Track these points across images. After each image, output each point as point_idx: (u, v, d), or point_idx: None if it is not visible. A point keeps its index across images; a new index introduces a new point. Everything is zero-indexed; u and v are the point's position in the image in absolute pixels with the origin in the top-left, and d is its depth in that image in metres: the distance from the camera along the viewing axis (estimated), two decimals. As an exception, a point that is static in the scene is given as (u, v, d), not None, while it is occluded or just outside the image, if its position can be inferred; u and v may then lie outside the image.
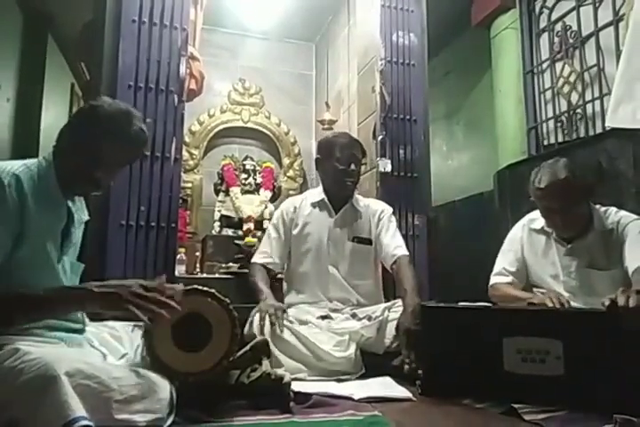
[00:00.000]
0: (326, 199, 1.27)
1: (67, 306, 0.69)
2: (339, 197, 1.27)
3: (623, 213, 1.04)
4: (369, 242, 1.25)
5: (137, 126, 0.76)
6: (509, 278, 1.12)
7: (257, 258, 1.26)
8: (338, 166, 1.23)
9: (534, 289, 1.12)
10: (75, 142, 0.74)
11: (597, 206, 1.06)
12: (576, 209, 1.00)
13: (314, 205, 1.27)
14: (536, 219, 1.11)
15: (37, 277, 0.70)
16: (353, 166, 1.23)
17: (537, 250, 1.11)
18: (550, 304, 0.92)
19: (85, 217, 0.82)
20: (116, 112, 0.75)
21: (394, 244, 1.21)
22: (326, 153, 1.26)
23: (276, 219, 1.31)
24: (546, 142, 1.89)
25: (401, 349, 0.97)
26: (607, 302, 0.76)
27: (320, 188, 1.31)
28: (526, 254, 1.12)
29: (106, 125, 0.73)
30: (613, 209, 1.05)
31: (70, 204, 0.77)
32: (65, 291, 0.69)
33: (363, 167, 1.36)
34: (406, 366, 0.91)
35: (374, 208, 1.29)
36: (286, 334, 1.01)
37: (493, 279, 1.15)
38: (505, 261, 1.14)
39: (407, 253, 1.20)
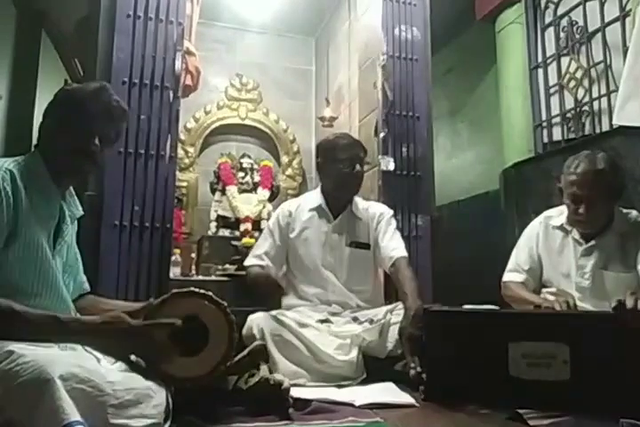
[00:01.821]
0: (324, 205, 1.24)
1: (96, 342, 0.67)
2: (339, 202, 1.24)
3: None
4: (367, 246, 1.22)
5: (115, 97, 0.78)
6: (523, 277, 1.11)
7: (250, 261, 1.23)
8: (342, 169, 1.20)
9: (544, 289, 1.10)
10: (60, 125, 0.74)
11: (620, 208, 1.04)
12: (601, 204, 0.98)
13: (311, 210, 1.24)
14: (554, 216, 1.10)
15: (32, 274, 0.68)
16: (358, 167, 1.21)
17: (552, 247, 1.09)
18: (558, 308, 0.90)
19: (79, 212, 0.81)
20: (92, 88, 0.77)
21: (391, 246, 1.18)
22: (328, 156, 1.23)
23: (272, 223, 1.28)
24: (553, 140, 1.86)
25: (405, 355, 0.95)
26: (615, 304, 0.75)
27: (317, 191, 1.28)
28: (541, 252, 1.11)
29: (86, 101, 0.74)
30: (635, 212, 1.04)
31: (62, 201, 0.76)
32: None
33: (365, 167, 1.32)
34: (412, 371, 0.89)
35: (373, 211, 1.26)
36: (288, 335, 1.00)
37: (507, 276, 1.13)
38: (520, 257, 1.13)
39: (405, 255, 1.17)
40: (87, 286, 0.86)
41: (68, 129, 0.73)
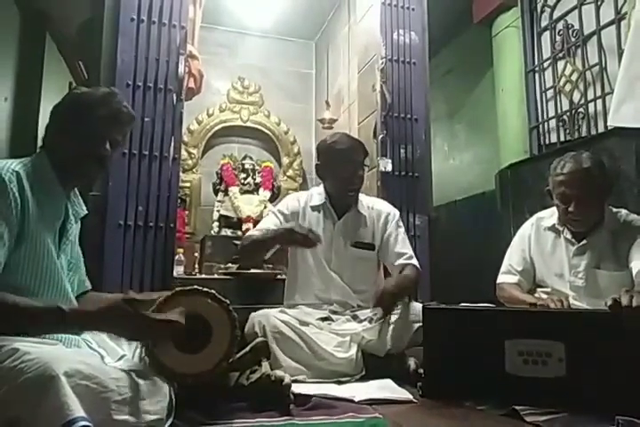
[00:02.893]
0: (328, 203, 1.23)
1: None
2: (342, 201, 1.23)
3: (634, 215, 1.03)
4: (371, 247, 1.21)
5: (123, 102, 0.79)
6: (516, 278, 1.12)
7: (252, 232, 1.20)
8: (340, 176, 1.18)
9: (538, 289, 1.11)
10: (68, 128, 0.75)
11: (610, 207, 1.05)
12: (591, 202, 0.99)
13: (316, 208, 1.23)
14: (545, 217, 1.11)
15: (38, 273, 0.69)
16: (358, 173, 1.19)
17: (544, 248, 1.10)
18: (553, 306, 0.91)
19: (83, 212, 0.82)
20: (102, 93, 0.78)
21: (403, 253, 1.18)
22: (327, 161, 1.21)
23: (281, 206, 1.26)
24: (548, 142, 1.88)
25: (378, 306, 0.96)
26: (610, 302, 0.76)
27: (321, 189, 1.26)
28: (533, 253, 1.12)
29: (96, 106, 0.76)
30: (624, 211, 1.05)
31: (67, 201, 0.77)
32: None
33: (365, 168, 1.29)
34: (412, 366, 0.90)
35: (378, 209, 1.25)
36: (288, 332, 1.01)
37: (501, 278, 1.14)
38: (512, 259, 1.14)
39: (416, 263, 1.17)
40: (88, 284, 0.87)
41: (77, 133, 0.74)
